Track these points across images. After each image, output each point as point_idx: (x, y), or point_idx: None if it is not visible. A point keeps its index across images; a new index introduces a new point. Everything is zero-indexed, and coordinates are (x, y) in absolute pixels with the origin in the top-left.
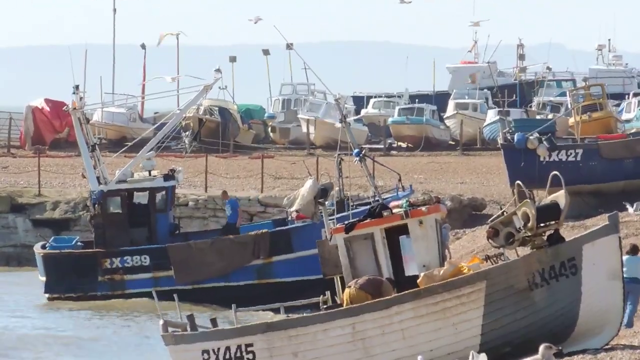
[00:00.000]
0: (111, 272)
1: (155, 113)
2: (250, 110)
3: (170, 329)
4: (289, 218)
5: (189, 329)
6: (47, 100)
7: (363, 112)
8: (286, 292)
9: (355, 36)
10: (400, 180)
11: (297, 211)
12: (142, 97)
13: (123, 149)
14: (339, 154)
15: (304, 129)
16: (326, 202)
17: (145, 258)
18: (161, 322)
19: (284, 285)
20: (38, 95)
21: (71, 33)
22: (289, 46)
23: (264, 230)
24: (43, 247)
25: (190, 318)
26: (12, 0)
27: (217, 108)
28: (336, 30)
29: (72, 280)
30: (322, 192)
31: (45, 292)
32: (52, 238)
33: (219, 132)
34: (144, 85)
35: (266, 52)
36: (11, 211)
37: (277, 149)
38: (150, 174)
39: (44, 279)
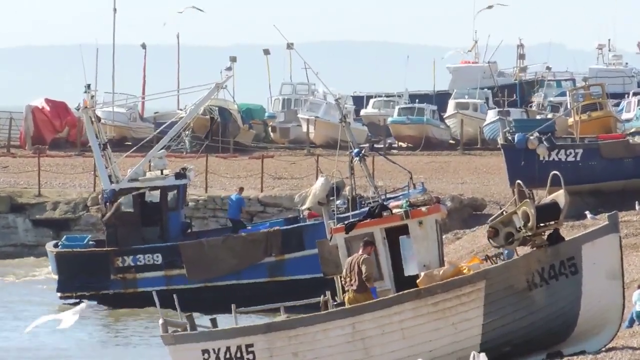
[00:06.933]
0: (123, 271)
1: (156, 113)
2: (250, 110)
3: (170, 329)
4: (301, 216)
5: (188, 328)
6: (47, 100)
7: (363, 112)
8: (298, 290)
9: (355, 36)
10: (411, 178)
11: (309, 209)
12: (142, 97)
13: (128, 152)
14: (350, 152)
15: (304, 129)
16: (338, 201)
17: (157, 256)
18: (161, 321)
19: (295, 282)
20: (38, 95)
21: (71, 33)
22: (290, 46)
23: (276, 228)
24: (55, 245)
25: (190, 318)
26: (12, 0)
27: (216, 108)
28: (336, 30)
29: (84, 278)
30: (335, 191)
31: (58, 290)
32: (64, 237)
33: (219, 132)
34: (144, 85)
35: (266, 52)
36: (11, 211)
37: (277, 149)
38: (162, 173)
39: (56, 277)
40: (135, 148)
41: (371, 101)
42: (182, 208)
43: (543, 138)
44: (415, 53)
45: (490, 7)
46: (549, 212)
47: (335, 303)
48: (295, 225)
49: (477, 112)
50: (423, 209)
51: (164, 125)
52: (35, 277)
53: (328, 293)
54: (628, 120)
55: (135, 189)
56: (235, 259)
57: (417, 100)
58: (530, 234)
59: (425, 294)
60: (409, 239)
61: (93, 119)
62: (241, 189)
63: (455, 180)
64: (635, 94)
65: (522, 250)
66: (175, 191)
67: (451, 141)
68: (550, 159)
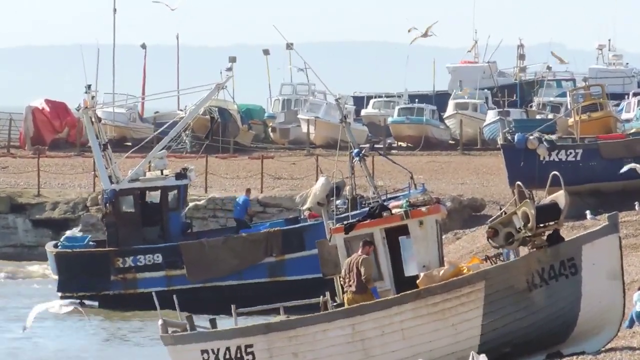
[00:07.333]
0: (124, 271)
1: (156, 113)
2: (250, 110)
3: (169, 329)
4: (302, 216)
5: (188, 329)
6: (47, 101)
7: (363, 112)
8: (298, 290)
9: (355, 36)
10: (412, 178)
11: (309, 209)
12: (142, 97)
13: (128, 153)
14: (350, 152)
15: (304, 129)
16: (338, 201)
17: (157, 256)
18: (160, 322)
19: (296, 283)
20: (38, 96)
21: (71, 33)
22: (289, 46)
23: (276, 228)
24: (55, 246)
25: (189, 318)
26: (12, 0)
27: (216, 108)
28: (336, 30)
29: (84, 279)
30: (336, 191)
31: (58, 290)
32: (64, 237)
33: (219, 132)
34: (144, 85)
35: (266, 52)
36: (11, 211)
37: (277, 149)
38: (162, 173)
39: (56, 277)
40: (135, 148)
41: (371, 101)
42: (182, 208)
43: (543, 138)
44: (415, 53)
45: (425, 35)
46: (549, 212)
47: (334, 303)
48: (296, 225)
49: (477, 112)
50: (423, 209)
51: (164, 126)
52: (35, 277)
53: (328, 293)
54: (628, 121)
55: (136, 189)
56: (236, 260)
57: (416, 101)
58: (530, 234)
59: (425, 294)
60: (409, 239)
61: (93, 119)
62: (248, 190)
63: (455, 180)
64: (635, 94)
65: (523, 251)
66: (176, 191)
67: (451, 141)
68: (550, 159)
